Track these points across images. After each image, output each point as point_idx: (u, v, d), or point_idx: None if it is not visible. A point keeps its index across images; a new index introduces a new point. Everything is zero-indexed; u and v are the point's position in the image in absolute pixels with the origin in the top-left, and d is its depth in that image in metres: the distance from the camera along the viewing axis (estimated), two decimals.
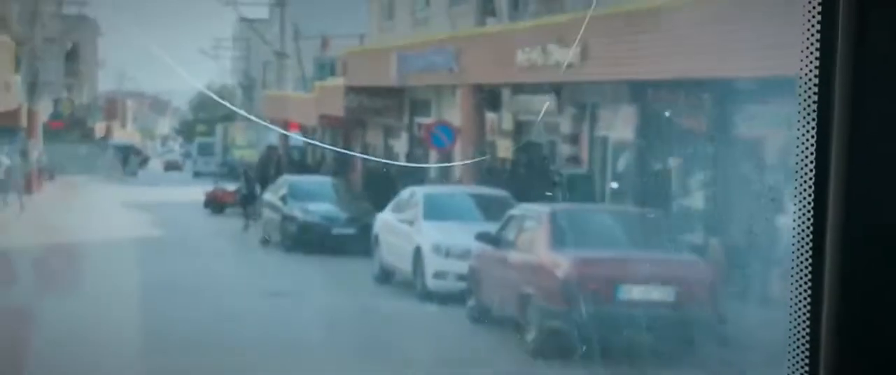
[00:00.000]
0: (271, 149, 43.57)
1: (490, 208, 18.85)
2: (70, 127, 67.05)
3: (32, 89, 44.31)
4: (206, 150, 63.50)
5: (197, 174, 62.65)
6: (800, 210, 1.73)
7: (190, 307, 16.51)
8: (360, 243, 21.41)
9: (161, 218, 33.07)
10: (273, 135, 57.10)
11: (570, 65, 17.69)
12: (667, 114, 16.81)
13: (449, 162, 24.79)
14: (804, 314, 1.74)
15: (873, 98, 1.64)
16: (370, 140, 34.19)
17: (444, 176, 25.09)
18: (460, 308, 15.93)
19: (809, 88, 1.71)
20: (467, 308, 15.70)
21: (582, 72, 18.29)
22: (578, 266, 13.29)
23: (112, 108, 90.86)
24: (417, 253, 17.71)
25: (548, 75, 18.86)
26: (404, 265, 18.28)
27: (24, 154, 42.74)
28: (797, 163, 1.74)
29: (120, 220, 31.99)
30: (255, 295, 18.54)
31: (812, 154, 1.70)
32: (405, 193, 20.29)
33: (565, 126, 20.92)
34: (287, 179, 25.43)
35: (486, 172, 23.08)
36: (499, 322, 15.02)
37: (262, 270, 22.42)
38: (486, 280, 15.41)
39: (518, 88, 22.75)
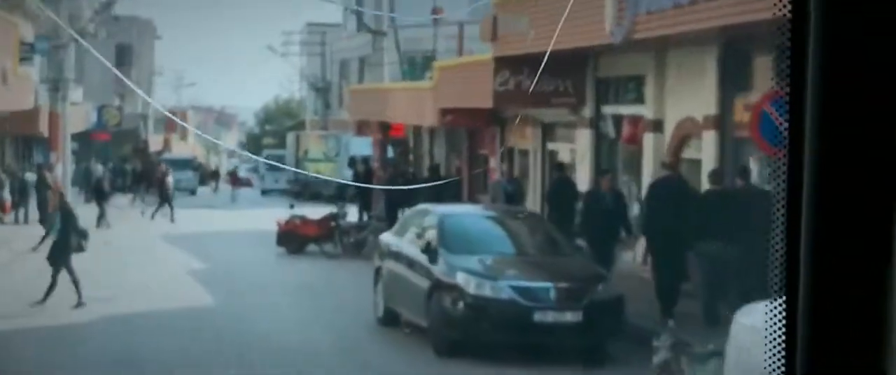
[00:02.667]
0: (363, 161, 32.28)
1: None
2: (118, 138, 56.56)
3: (56, 88, 33.43)
4: (275, 165, 52.41)
5: (265, 192, 51.77)
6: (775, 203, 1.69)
7: None
8: (586, 336, 10.46)
9: (213, 264, 21.78)
10: (357, 144, 45.99)
11: None
12: None
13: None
14: (780, 312, 1.69)
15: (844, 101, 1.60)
16: (518, 142, 22.73)
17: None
18: None
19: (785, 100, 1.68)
20: None
21: None
22: None
23: (171, 120, 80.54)
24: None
25: None
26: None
27: (40, 168, 31.84)
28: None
29: (150, 270, 20.68)
30: None
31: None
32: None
33: None
34: (428, 212, 13.88)
35: None
36: None
37: None
38: None
39: None
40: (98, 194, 31.56)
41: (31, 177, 30.43)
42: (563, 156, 20.46)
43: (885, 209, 1.60)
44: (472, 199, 25.87)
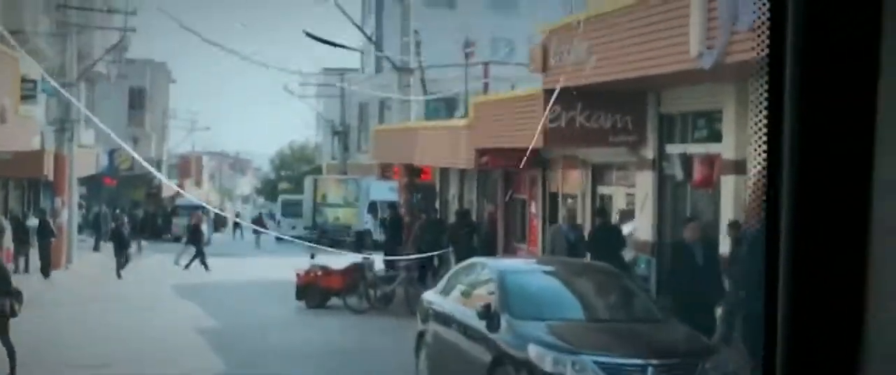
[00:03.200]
0: (390, 206, 30.04)
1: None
2: (128, 183, 54.43)
3: (62, 129, 31.34)
4: (291, 210, 50.15)
5: (280, 240, 49.42)
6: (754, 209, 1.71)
7: None
8: None
9: (226, 323, 19.48)
10: (378, 188, 43.72)
11: None
12: None
13: None
14: (759, 316, 1.71)
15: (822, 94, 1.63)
16: (564, 186, 20.46)
17: None
18: None
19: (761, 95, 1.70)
20: None
21: None
22: None
23: (185, 165, 78.57)
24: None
25: None
26: None
27: (43, 213, 29.67)
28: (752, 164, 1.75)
29: (154, 330, 18.38)
30: None
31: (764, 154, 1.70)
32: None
33: None
34: (483, 267, 11.52)
35: None
36: None
37: None
38: None
39: None
40: (118, 241, 29.28)
41: (33, 222, 28.25)
42: (618, 201, 18.18)
43: (860, 212, 1.62)
44: (509, 250, 23.59)
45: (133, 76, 58.25)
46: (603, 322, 10.05)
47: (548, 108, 15.56)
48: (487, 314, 9.83)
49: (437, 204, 28.86)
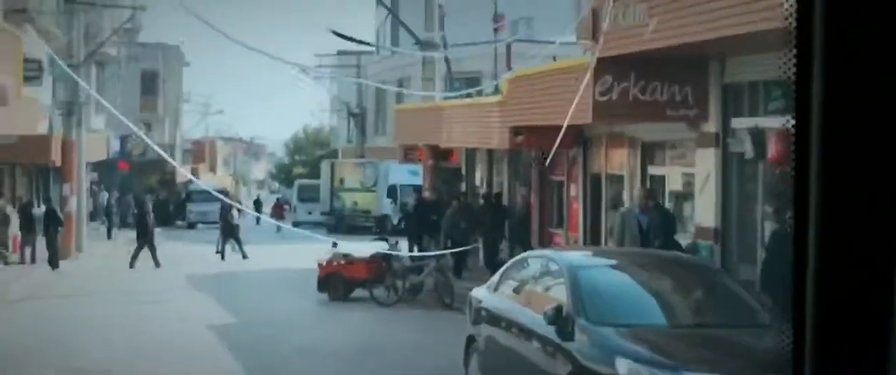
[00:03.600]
0: (415, 190, 28.32)
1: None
2: (141, 169, 52.83)
3: (69, 112, 29.72)
4: (308, 195, 48.45)
5: (297, 224, 47.77)
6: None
7: None
8: None
9: (242, 317, 17.84)
10: (397, 172, 41.98)
11: None
12: None
13: None
14: (787, 315, 1.71)
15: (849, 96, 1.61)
16: (605, 167, 18.75)
17: None
18: None
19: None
20: None
21: None
22: None
23: (199, 150, 76.94)
24: None
25: None
26: None
27: (49, 201, 28.11)
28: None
29: (160, 327, 16.72)
30: None
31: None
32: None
33: None
34: (547, 261, 9.70)
35: None
36: None
37: None
38: None
39: None
40: (143, 228, 26.68)
41: (38, 211, 26.66)
42: (673, 182, 16.45)
43: (889, 213, 1.62)
44: (544, 236, 21.92)
45: (145, 59, 56.66)
46: (700, 329, 8.26)
47: (590, 82, 13.83)
48: (558, 318, 8.11)
49: (464, 188, 27.16)
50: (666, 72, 14.51)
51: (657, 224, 14.35)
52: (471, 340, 10.29)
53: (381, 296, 19.08)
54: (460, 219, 21.44)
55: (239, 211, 30.03)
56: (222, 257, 28.76)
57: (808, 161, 1.63)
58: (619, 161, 18.29)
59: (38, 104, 26.45)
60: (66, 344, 14.68)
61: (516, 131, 18.86)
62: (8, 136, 25.31)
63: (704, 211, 14.84)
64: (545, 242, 21.61)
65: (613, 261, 9.92)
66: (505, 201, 23.69)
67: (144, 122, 57.14)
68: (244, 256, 28.20)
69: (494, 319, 9.65)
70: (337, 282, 19.83)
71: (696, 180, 15.19)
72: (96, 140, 37.95)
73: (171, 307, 19.02)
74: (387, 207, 40.47)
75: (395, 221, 35.51)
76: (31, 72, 25.42)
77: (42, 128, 28.94)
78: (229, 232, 29.13)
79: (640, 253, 11.51)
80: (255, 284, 23.46)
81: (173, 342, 15.04)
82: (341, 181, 43.78)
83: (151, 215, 27.80)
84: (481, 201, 24.13)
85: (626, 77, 14.55)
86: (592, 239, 19.28)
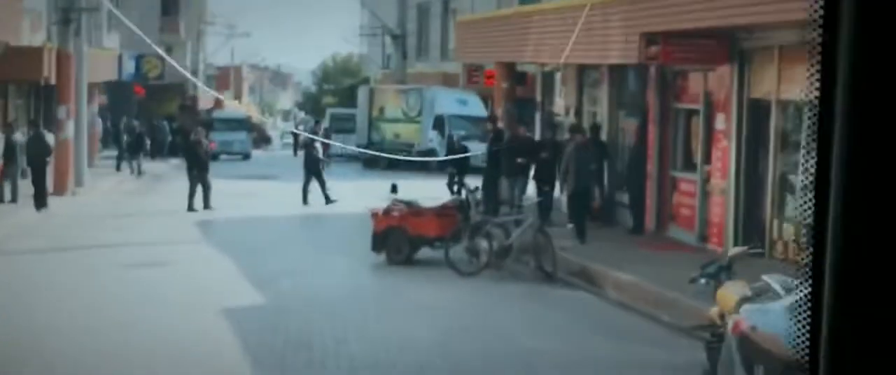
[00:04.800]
0: (490, 120, 22.76)
1: None
2: (158, 93, 47.69)
3: (66, 20, 24.46)
4: (342, 126, 43.19)
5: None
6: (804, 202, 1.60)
7: None
8: None
9: (269, 292, 12.50)
10: (444, 100, 36.60)
11: None
12: None
13: None
14: (805, 312, 1.62)
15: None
16: (777, 90, 13.34)
17: None
18: None
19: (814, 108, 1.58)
20: None
21: None
22: None
23: (224, 77, 71.78)
24: None
25: None
26: None
27: (36, 126, 23.02)
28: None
29: (151, 303, 11.29)
30: None
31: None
32: None
33: None
34: None
35: None
36: None
37: None
38: None
39: None
40: (196, 163, 21.49)
41: (20, 137, 21.53)
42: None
43: None
44: (664, 182, 16.63)
45: None
46: None
47: None
48: None
49: (542, 118, 21.80)
50: None
51: None
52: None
53: (461, 263, 13.85)
54: (591, 159, 16.03)
55: (324, 145, 24.49)
56: (304, 200, 22.80)
57: (830, 148, 1.49)
58: (797, 82, 12.93)
59: (21, 6, 21.24)
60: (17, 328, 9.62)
61: (649, 39, 13.52)
62: None
63: None
64: (665, 190, 16.39)
65: None
66: (604, 136, 18.36)
67: (165, 45, 51.78)
68: (328, 201, 22.25)
69: None
70: (398, 239, 14.63)
71: None
72: (103, 56, 32.77)
73: (178, 271, 13.89)
74: (433, 140, 35.15)
75: (442, 156, 30.18)
76: None
77: (29, 39, 23.80)
78: (312, 168, 23.11)
79: None
80: (290, 237, 18.37)
81: (169, 338, 9.86)
82: (381, 110, 38.40)
83: (205, 143, 22.60)
84: (570, 135, 18.77)
85: None
86: (747, 186, 14.03)
